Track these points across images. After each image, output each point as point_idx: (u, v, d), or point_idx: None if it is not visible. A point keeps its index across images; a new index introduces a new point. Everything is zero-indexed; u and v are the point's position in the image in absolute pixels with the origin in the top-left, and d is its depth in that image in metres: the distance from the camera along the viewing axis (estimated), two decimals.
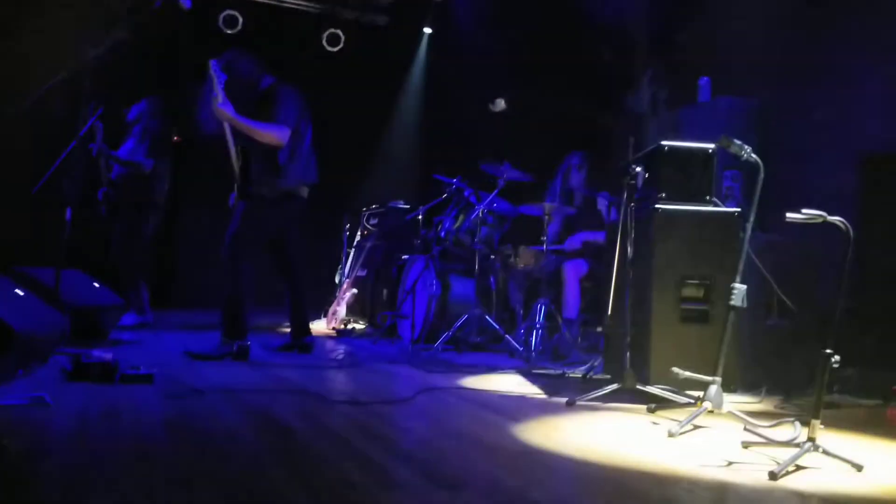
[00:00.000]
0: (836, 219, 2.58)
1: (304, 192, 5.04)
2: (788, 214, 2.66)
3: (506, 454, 2.58)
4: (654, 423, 3.25)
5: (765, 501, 2.13)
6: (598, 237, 5.82)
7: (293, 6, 10.12)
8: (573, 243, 6.05)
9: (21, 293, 3.71)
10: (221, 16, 9.46)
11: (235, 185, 4.93)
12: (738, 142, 3.09)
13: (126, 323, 6.06)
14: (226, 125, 4.75)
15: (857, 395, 3.91)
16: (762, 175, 3.08)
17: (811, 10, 5.36)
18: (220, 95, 4.61)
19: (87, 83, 4.33)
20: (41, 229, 5.42)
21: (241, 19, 9.47)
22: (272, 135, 4.75)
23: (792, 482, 2.32)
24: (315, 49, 9.99)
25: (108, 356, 3.66)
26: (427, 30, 10.32)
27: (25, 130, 7.06)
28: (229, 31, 9.45)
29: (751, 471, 2.44)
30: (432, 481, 2.16)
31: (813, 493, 2.22)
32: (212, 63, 4.64)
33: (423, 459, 2.42)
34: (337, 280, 8.13)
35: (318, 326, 7.40)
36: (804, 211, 2.60)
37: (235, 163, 4.87)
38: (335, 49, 10.11)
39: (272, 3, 10.02)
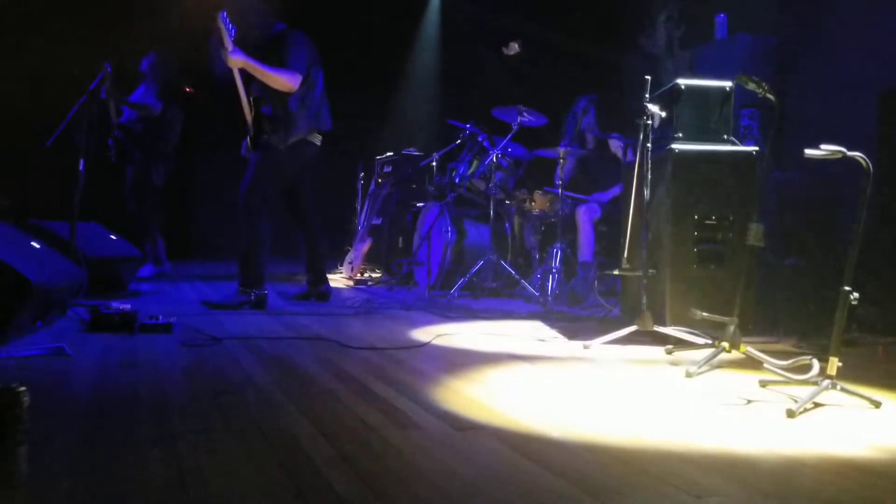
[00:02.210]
0: (856, 154, 2.53)
1: (318, 139, 5.00)
2: (807, 151, 2.61)
3: (519, 397, 2.60)
4: (672, 364, 3.25)
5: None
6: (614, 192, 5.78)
7: None
8: (612, 193, 5.95)
9: (37, 245, 3.73)
10: None
11: (248, 135, 4.90)
12: (756, 79, 3.02)
13: (144, 274, 6.11)
14: (237, 74, 4.70)
15: (876, 332, 3.88)
16: (778, 113, 3.01)
17: None
18: (229, 46, 4.56)
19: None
20: (56, 182, 5.44)
21: None
22: (283, 79, 4.70)
23: (810, 419, 2.31)
24: (329, 2, 9.84)
25: (127, 306, 3.70)
26: None
27: (37, 84, 7.07)
28: None
29: (769, 409, 2.44)
30: (447, 422, 2.17)
31: (829, 429, 2.22)
32: (221, 14, 4.58)
33: (440, 402, 2.43)
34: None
35: (335, 275, 7.43)
36: (823, 147, 2.55)
37: (248, 113, 4.84)
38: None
39: None
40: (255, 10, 4.85)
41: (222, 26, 4.56)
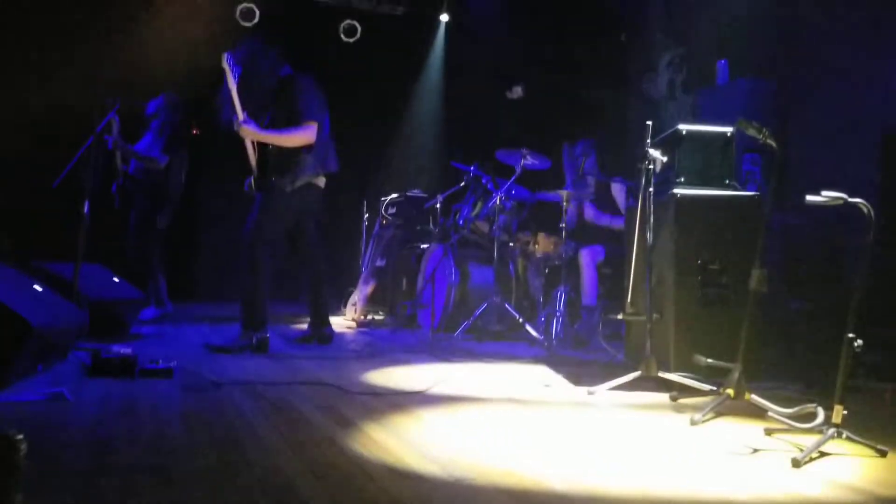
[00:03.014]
0: (857, 200, 2.53)
1: (322, 181, 5.02)
2: (808, 197, 2.61)
3: (522, 446, 2.57)
4: (677, 411, 3.22)
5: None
6: (619, 222, 5.78)
7: None
8: (587, 212, 5.98)
9: (39, 289, 3.73)
10: (239, 8, 9.46)
11: (252, 177, 4.92)
12: (757, 124, 3.03)
13: (146, 317, 6.09)
14: (240, 115, 4.73)
15: (883, 378, 3.84)
16: (779, 158, 3.02)
17: None
18: (241, 115, 4.61)
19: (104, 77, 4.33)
20: (60, 224, 5.45)
21: (257, 12, 9.47)
22: (300, 136, 4.74)
23: (815, 469, 2.28)
24: (332, 40, 9.98)
25: (128, 350, 3.67)
26: (444, 17, 10.26)
27: (45, 125, 7.14)
28: (247, 24, 9.45)
29: (774, 458, 2.40)
30: (447, 471, 2.14)
31: (835, 480, 2.18)
32: (226, 56, 4.62)
33: (440, 450, 2.40)
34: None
35: (338, 317, 7.41)
36: (824, 193, 2.55)
37: (252, 156, 4.86)
38: (352, 40, 10.10)
39: None
40: (262, 53, 4.89)
41: (227, 67, 4.60)
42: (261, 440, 2.48)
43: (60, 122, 6.40)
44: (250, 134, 4.69)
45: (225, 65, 4.60)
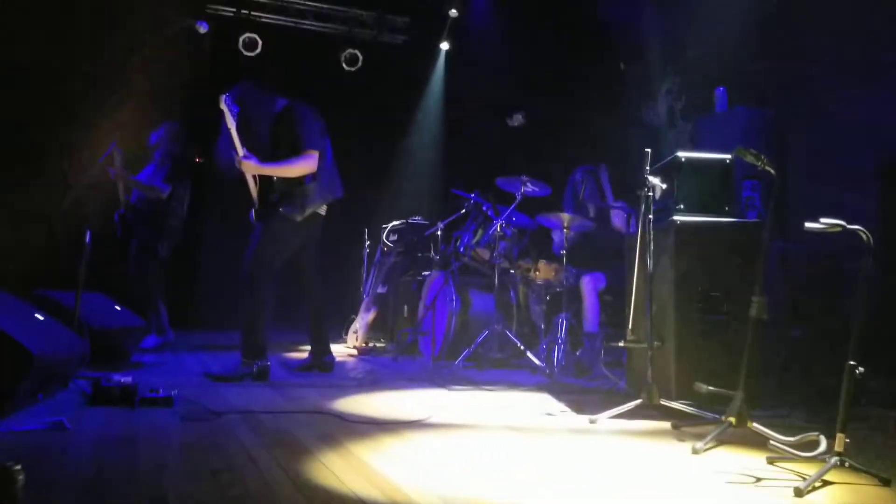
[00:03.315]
0: (856, 227, 2.54)
1: (323, 209, 5.03)
2: (807, 224, 2.62)
3: (523, 475, 2.55)
4: (679, 440, 3.20)
5: None
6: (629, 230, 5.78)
7: (311, 28, 10.20)
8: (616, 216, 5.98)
9: (41, 317, 3.73)
10: (241, 39, 9.55)
11: (254, 209, 4.94)
12: (755, 151, 3.05)
13: (147, 345, 6.08)
14: (239, 152, 4.76)
15: (887, 406, 3.82)
16: (777, 185, 3.04)
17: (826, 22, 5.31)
18: (241, 150, 4.66)
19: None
20: (62, 252, 5.47)
21: (260, 42, 9.55)
22: (302, 166, 4.77)
23: (818, 498, 2.26)
24: (334, 69, 10.07)
25: (128, 379, 3.67)
26: (444, 46, 10.35)
27: (48, 155, 7.17)
28: (249, 54, 9.53)
29: (777, 487, 2.39)
30: (446, 502, 2.13)
31: None
32: (223, 98, 4.66)
33: (440, 481, 2.39)
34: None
35: (339, 345, 7.40)
36: (823, 220, 2.56)
37: (253, 189, 4.89)
38: (353, 69, 10.18)
39: (291, 24, 10.10)
40: (258, 90, 4.94)
41: (225, 108, 4.64)
42: (261, 471, 2.47)
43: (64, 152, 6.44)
44: (252, 168, 4.73)
45: (223, 105, 4.64)
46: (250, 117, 4.76)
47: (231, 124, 4.64)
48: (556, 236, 5.64)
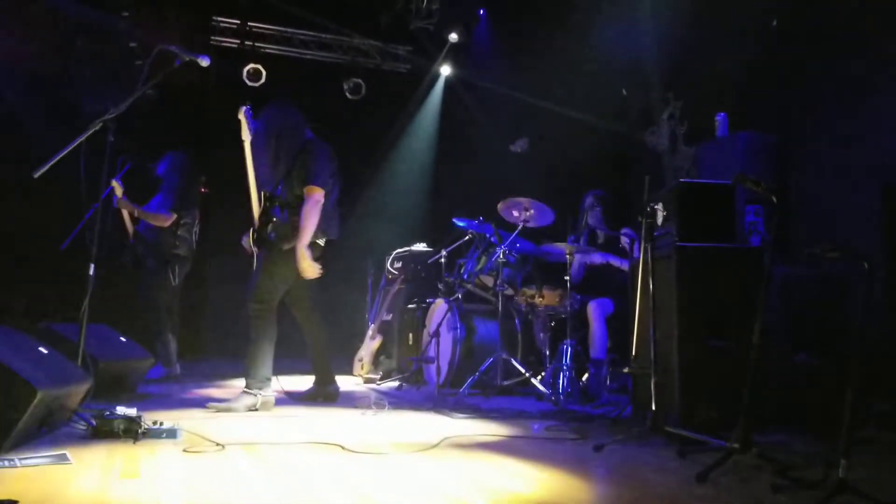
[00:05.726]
0: (857, 253, 2.53)
1: (322, 240, 5.04)
2: (809, 250, 2.62)
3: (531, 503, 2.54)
4: (684, 466, 3.18)
5: None
6: (623, 264, 5.79)
7: (315, 58, 10.31)
8: (594, 259, 5.99)
9: (45, 351, 3.74)
10: (245, 69, 9.64)
11: (251, 231, 4.95)
12: (753, 178, 3.06)
13: (153, 376, 6.08)
14: (249, 167, 4.79)
15: (893, 429, 3.80)
16: (777, 211, 3.04)
17: (827, 46, 5.34)
18: (250, 167, 4.72)
19: (111, 139, 4.38)
20: (68, 286, 5.49)
21: (264, 72, 9.65)
22: (315, 209, 4.79)
23: None
24: (338, 98, 10.16)
25: (132, 411, 3.67)
26: (446, 72, 10.43)
27: (53, 187, 7.22)
28: (253, 85, 9.62)
29: None
30: None
31: None
32: (244, 109, 4.69)
33: None
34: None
35: (344, 374, 7.38)
36: (825, 247, 2.56)
37: (256, 207, 4.90)
38: (357, 97, 10.27)
39: (294, 55, 10.21)
40: (292, 114, 4.96)
41: (244, 120, 4.67)
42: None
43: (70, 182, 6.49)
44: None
45: (241, 116, 4.67)
46: (279, 144, 4.79)
47: (246, 137, 4.66)
48: (573, 265, 5.66)
